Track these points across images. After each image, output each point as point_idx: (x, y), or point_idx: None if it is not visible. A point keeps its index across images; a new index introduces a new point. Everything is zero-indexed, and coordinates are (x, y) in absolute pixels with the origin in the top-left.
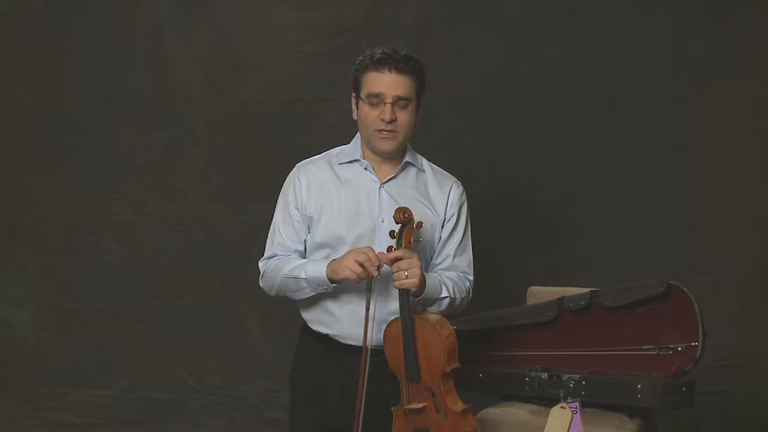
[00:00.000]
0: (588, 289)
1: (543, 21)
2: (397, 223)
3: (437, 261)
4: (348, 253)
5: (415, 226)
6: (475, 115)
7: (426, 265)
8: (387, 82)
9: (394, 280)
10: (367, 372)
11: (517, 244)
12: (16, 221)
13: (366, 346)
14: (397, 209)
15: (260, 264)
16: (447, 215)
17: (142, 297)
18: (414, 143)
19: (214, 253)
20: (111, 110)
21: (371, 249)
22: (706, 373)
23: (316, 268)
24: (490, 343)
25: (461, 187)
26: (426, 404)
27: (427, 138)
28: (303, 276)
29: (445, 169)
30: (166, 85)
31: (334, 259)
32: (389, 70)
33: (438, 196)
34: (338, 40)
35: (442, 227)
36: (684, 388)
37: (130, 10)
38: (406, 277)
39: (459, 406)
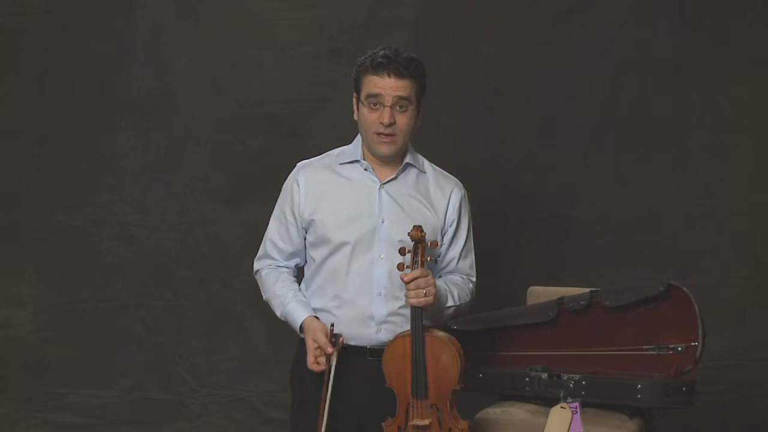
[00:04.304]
0: (588, 289)
1: (543, 21)
2: (412, 240)
3: (442, 264)
4: (308, 334)
5: (429, 244)
6: (475, 115)
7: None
8: (387, 86)
9: (410, 298)
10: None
11: (517, 244)
12: (16, 221)
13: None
14: (414, 227)
15: (255, 262)
16: (448, 219)
17: (142, 297)
18: (414, 143)
19: (214, 253)
20: (111, 110)
21: (320, 336)
22: (706, 373)
23: (295, 315)
24: (490, 343)
25: (463, 190)
26: (431, 421)
27: (427, 138)
28: (283, 318)
29: (445, 169)
30: (166, 85)
31: (312, 319)
32: (389, 75)
33: (439, 198)
34: (338, 40)
35: (443, 230)
36: (684, 388)
37: (130, 10)
38: (425, 295)
39: (462, 424)
